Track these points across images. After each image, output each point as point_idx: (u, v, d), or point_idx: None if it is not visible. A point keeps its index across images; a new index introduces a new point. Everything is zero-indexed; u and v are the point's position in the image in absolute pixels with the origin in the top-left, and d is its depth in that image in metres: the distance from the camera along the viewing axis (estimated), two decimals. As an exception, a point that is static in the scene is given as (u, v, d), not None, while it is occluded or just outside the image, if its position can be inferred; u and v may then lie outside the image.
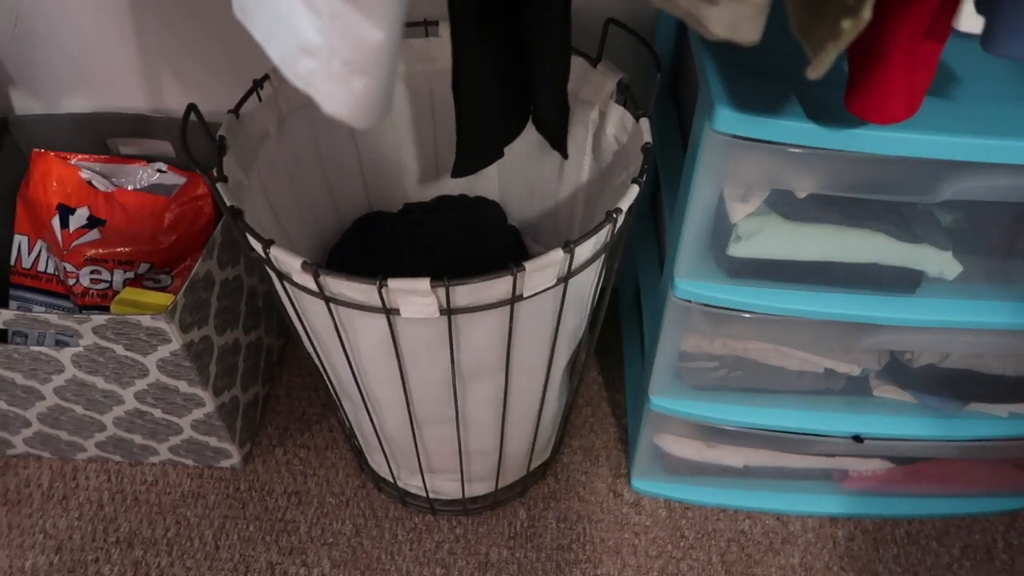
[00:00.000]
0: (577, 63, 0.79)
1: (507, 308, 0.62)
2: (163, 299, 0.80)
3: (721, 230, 0.69)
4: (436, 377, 0.69)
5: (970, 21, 0.43)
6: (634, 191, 0.64)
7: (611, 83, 0.76)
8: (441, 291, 0.58)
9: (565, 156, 0.68)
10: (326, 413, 1.04)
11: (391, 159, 0.93)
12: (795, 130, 0.57)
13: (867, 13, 0.34)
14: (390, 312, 0.60)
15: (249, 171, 0.74)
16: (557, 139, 0.65)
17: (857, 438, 0.82)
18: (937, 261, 0.68)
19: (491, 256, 0.92)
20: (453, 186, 0.98)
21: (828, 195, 0.64)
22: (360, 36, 0.33)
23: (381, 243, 0.91)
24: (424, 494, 0.91)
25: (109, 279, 0.92)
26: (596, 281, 0.72)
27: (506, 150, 0.90)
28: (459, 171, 0.66)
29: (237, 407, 0.94)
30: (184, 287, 0.79)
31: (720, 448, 0.91)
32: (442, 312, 0.60)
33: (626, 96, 0.76)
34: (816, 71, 0.37)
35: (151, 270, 0.93)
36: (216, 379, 0.87)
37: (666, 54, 0.83)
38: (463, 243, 0.93)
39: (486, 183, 0.97)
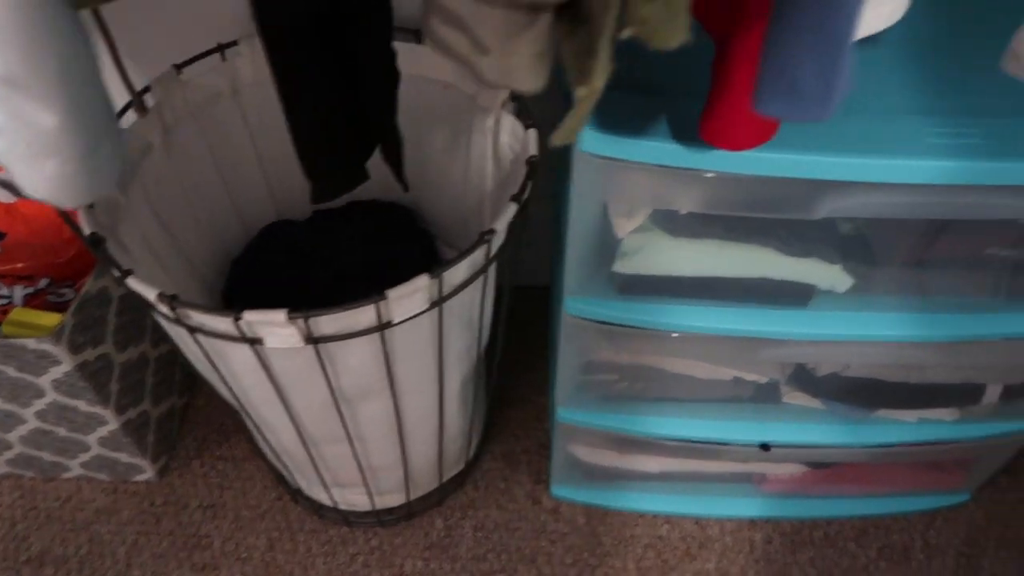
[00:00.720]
0: (474, 68, 0.76)
1: (379, 334, 0.61)
2: (52, 320, 0.78)
3: (608, 246, 0.67)
4: (319, 400, 0.68)
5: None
6: (512, 209, 0.62)
7: (505, 90, 0.74)
8: (301, 322, 0.56)
9: (406, 189, 0.66)
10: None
11: (297, 165, 0.90)
12: (660, 150, 0.54)
13: (598, 82, 0.32)
14: (253, 342, 0.58)
15: (128, 189, 0.72)
16: (395, 171, 0.63)
17: (764, 446, 0.81)
18: (826, 275, 0.66)
19: (401, 263, 0.90)
20: (364, 191, 0.95)
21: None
22: (33, 121, 0.31)
23: (286, 253, 0.89)
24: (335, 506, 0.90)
25: (9, 295, 0.89)
26: (481, 298, 0.70)
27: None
28: (317, 197, 0.64)
29: (147, 422, 0.93)
30: (72, 307, 0.76)
31: (633, 456, 0.90)
32: (307, 341, 0.58)
33: (519, 105, 0.73)
34: (559, 138, 0.35)
35: (51, 284, 0.91)
36: (119, 396, 0.86)
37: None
38: (373, 250, 0.91)
39: (399, 188, 0.94)
